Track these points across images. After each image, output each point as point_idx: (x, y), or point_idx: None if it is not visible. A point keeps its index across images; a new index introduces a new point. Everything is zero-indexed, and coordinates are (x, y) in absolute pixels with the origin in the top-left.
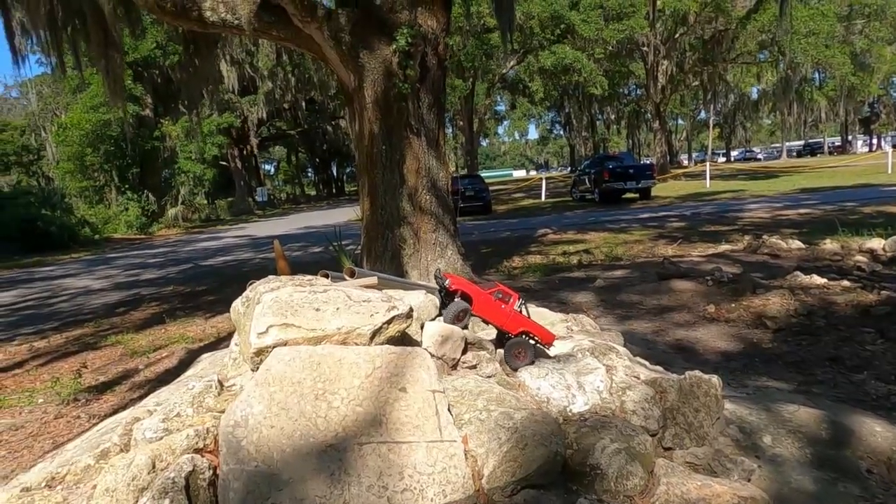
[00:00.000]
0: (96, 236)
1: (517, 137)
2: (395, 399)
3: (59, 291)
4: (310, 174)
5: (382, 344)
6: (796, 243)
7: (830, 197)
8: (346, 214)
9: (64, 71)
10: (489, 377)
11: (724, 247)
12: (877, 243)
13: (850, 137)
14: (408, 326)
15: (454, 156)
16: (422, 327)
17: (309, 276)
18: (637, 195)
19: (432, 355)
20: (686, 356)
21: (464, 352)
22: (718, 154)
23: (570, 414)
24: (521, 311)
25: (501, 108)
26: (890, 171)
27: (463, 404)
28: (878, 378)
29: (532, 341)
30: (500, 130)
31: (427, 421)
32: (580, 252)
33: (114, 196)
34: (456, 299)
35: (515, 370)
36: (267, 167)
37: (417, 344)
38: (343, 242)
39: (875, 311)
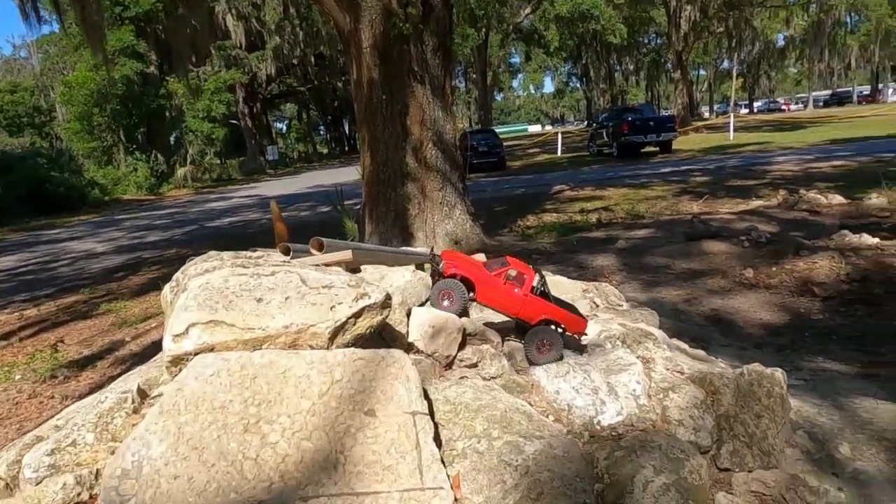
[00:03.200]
0: (106, 198)
1: (532, 91)
2: (360, 427)
3: (62, 255)
4: (322, 132)
5: (347, 346)
6: (837, 198)
7: (864, 148)
8: (356, 173)
9: (62, 23)
10: (493, 378)
11: (756, 203)
12: None
13: (880, 86)
14: (383, 319)
15: (467, 110)
16: (408, 314)
17: (261, 252)
18: (657, 149)
19: (420, 351)
20: (723, 330)
21: (461, 346)
22: (741, 105)
23: (597, 428)
24: (542, 292)
25: (516, 60)
26: None
27: (456, 425)
28: None
29: (559, 329)
30: (515, 84)
31: (403, 458)
32: (599, 210)
33: (122, 156)
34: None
35: (539, 365)
36: (279, 125)
37: (402, 336)
38: (350, 202)
39: None
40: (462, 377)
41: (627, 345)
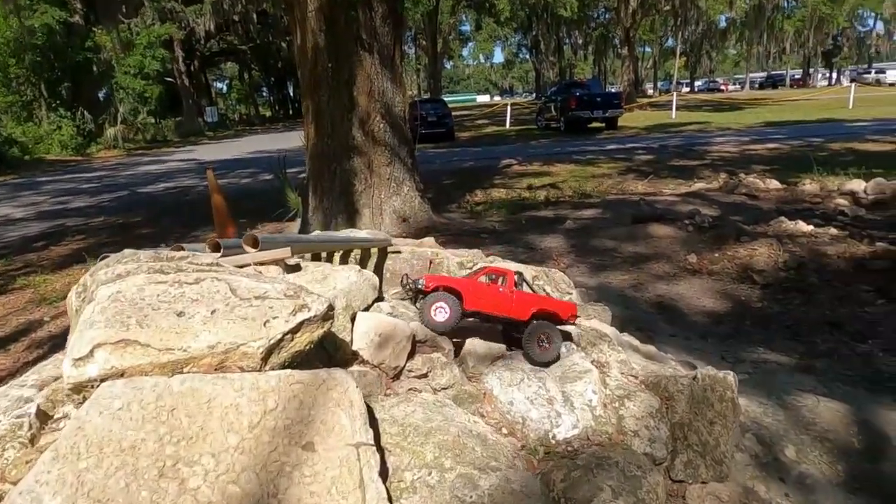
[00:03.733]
0: (26, 157)
1: (482, 60)
2: (296, 465)
3: None
4: (265, 94)
5: (283, 366)
6: (774, 183)
7: (796, 132)
8: (300, 139)
9: None
10: (444, 389)
11: (698, 185)
12: (857, 185)
13: (811, 71)
14: (325, 333)
15: (416, 77)
16: (353, 319)
17: (186, 251)
18: (603, 125)
19: (366, 362)
20: (669, 318)
21: (411, 354)
22: (682, 84)
23: (553, 443)
24: (522, 289)
25: (466, 28)
26: (851, 107)
27: (405, 451)
28: (886, 349)
29: (552, 322)
30: (465, 53)
31: (345, 499)
32: (547, 186)
33: (44, 113)
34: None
35: (546, 365)
36: (219, 85)
37: (345, 344)
38: (295, 170)
39: (871, 266)
40: (411, 389)
41: (582, 347)
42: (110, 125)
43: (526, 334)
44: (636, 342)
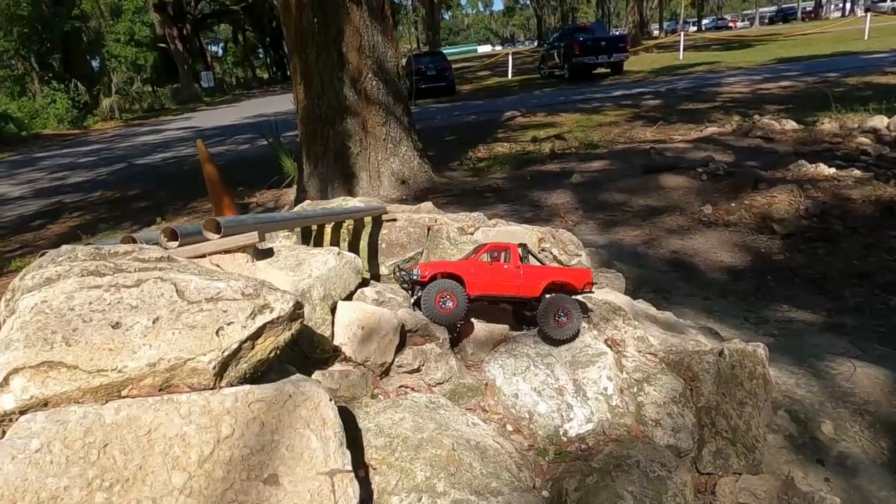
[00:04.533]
0: (23, 133)
1: (481, 9)
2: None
3: None
4: (261, 55)
5: (243, 380)
6: (790, 124)
7: (811, 67)
8: (292, 101)
9: None
10: (439, 384)
11: (710, 129)
12: (879, 121)
13: (823, 2)
14: (293, 335)
15: (415, 30)
16: (333, 310)
17: (128, 247)
18: (608, 70)
19: (348, 359)
20: (685, 276)
21: (400, 347)
22: (689, 23)
23: (564, 440)
24: (528, 262)
25: None
26: (867, 38)
27: (392, 468)
28: None
29: (566, 293)
30: (463, 1)
31: None
32: (552, 138)
33: (37, 86)
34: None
35: (559, 343)
36: (214, 48)
37: (325, 340)
38: (293, 134)
39: None
40: (401, 387)
41: (594, 324)
42: (105, 96)
43: (540, 310)
44: (652, 310)
